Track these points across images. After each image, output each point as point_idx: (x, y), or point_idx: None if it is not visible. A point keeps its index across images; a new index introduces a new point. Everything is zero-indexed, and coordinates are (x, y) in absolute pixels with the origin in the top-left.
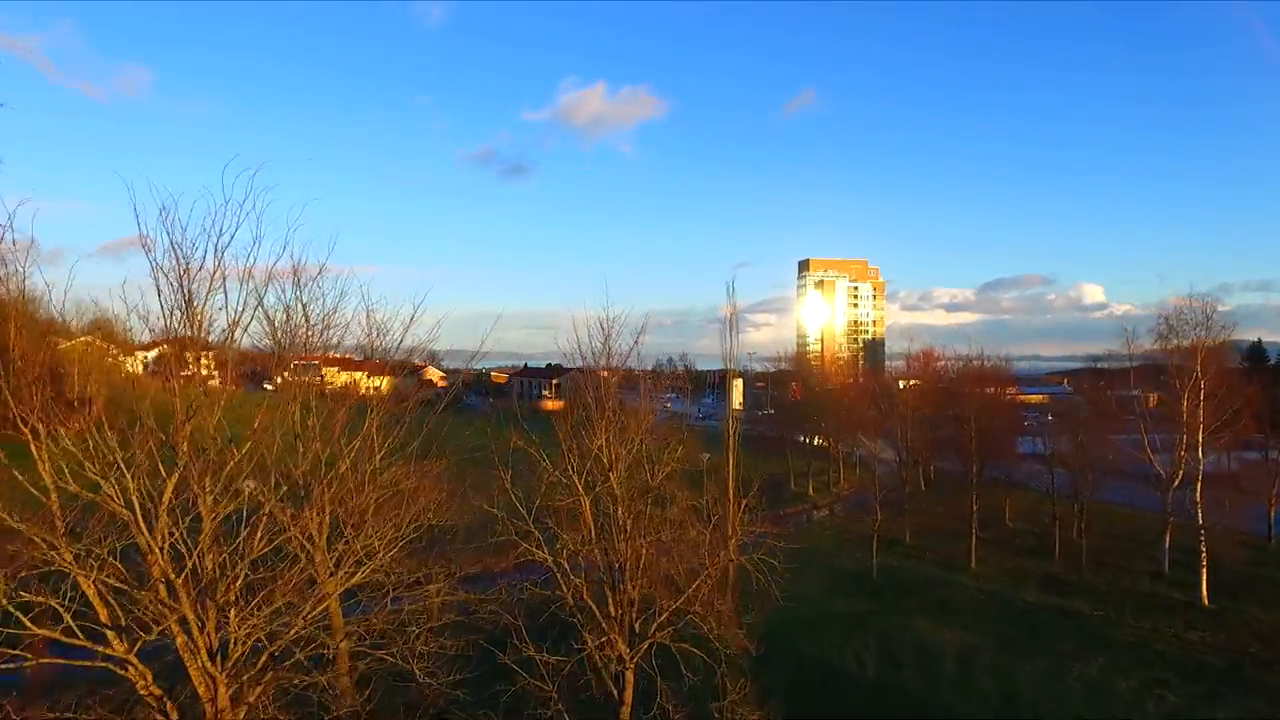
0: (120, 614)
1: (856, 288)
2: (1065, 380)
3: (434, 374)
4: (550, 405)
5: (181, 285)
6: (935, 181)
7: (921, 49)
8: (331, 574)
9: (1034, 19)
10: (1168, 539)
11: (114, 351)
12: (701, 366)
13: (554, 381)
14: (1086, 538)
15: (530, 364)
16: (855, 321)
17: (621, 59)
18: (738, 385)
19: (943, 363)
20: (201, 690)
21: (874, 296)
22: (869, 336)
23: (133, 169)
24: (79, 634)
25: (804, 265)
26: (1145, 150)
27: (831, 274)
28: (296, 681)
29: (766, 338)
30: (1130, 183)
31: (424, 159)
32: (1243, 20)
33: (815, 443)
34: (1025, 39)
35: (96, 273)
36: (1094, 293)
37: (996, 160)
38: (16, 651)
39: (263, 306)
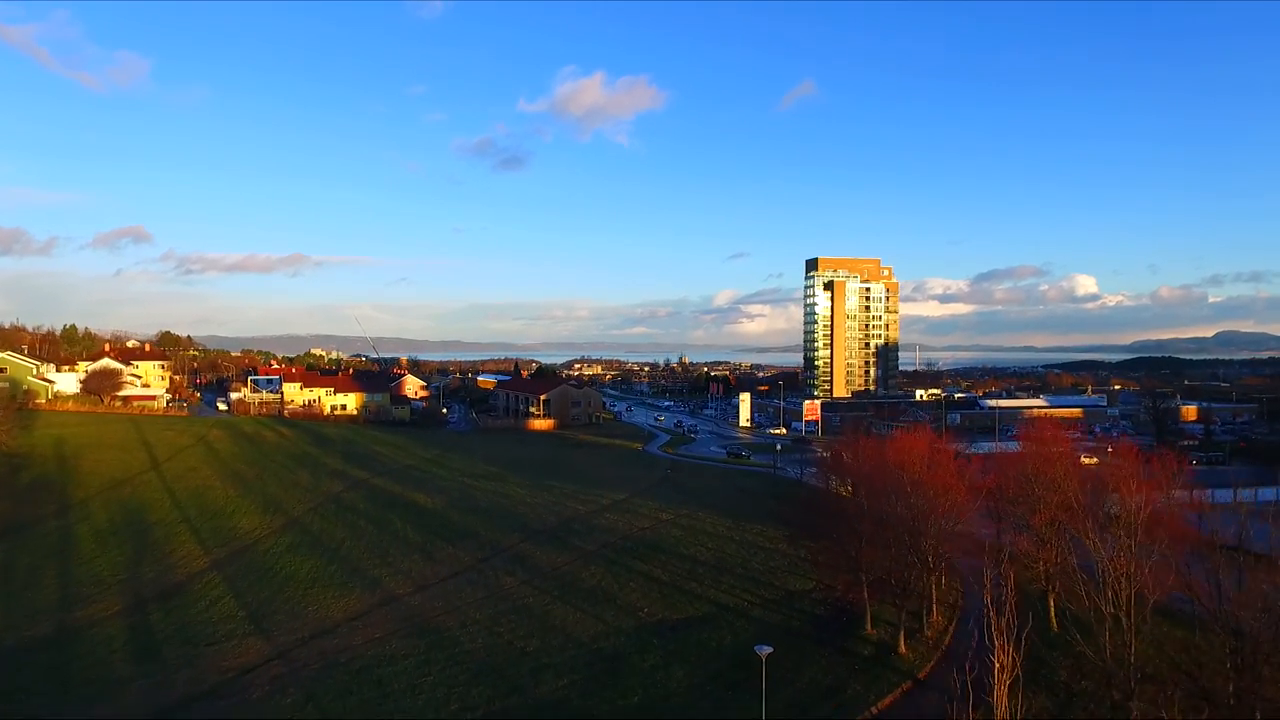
0: None
1: (868, 289)
2: (1089, 388)
3: (413, 384)
4: (538, 425)
5: None
6: (930, 173)
7: (918, 42)
8: None
9: (1031, 16)
10: None
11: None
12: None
13: (542, 397)
14: None
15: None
16: (866, 326)
17: (620, 50)
18: (745, 400)
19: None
20: None
21: (887, 298)
22: (881, 341)
23: (130, 159)
24: None
25: (812, 264)
26: (1138, 142)
27: (842, 274)
28: None
29: (762, 329)
30: (1123, 174)
31: (420, 150)
32: (1238, 17)
33: (854, 493)
34: (1022, 35)
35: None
36: (1086, 283)
37: (991, 152)
38: None
39: None
